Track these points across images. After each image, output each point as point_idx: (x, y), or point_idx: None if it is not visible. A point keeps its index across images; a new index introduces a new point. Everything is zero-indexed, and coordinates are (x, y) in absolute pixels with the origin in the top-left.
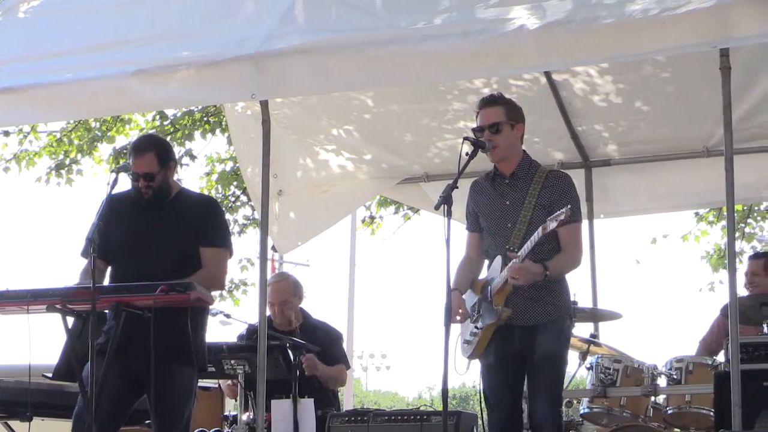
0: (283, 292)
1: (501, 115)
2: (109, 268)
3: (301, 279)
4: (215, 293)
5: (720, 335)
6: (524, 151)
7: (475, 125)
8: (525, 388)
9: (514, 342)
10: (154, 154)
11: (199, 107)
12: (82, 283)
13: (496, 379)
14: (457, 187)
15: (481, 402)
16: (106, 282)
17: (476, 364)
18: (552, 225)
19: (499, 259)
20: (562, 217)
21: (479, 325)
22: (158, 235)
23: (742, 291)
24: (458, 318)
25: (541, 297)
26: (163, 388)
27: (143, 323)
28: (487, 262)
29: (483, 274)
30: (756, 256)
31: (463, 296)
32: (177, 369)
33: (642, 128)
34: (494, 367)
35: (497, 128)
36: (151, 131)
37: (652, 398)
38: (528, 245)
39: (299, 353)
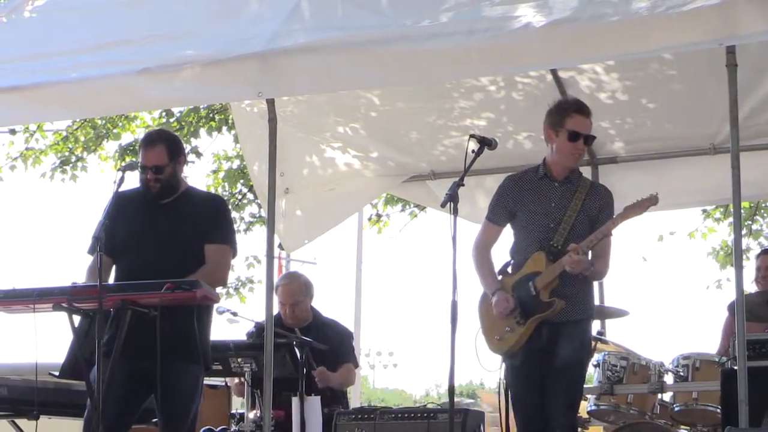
0: (294, 293)
1: (591, 128)
2: (114, 267)
3: (309, 277)
4: (221, 290)
5: (732, 336)
6: None
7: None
8: None
9: (541, 338)
10: (164, 147)
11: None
12: (89, 281)
13: (519, 379)
14: (463, 185)
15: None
16: (112, 279)
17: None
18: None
19: (542, 254)
20: (654, 202)
21: (520, 320)
22: (164, 233)
23: (750, 287)
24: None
25: (571, 294)
26: (170, 386)
27: (149, 322)
28: (512, 258)
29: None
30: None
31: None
32: (183, 367)
33: (648, 126)
34: (518, 368)
35: (589, 141)
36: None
37: (659, 395)
38: (589, 243)
39: (306, 352)
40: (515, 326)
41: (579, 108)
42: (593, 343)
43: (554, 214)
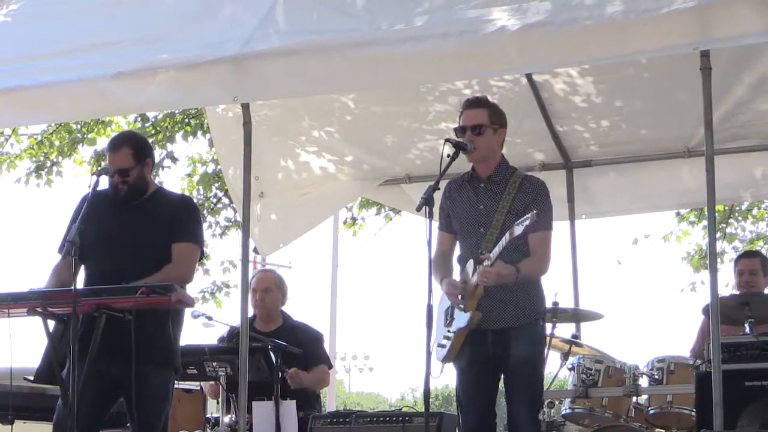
0: (267, 279)
1: (485, 118)
2: (83, 267)
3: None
4: (196, 294)
5: (707, 339)
6: (502, 155)
7: (456, 125)
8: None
9: (486, 346)
10: (129, 149)
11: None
12: (51, 280)
13: (468, 382)
14: (438, 189)
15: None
16: (80, 280)
17: (451, 367)
18: (518, 230)
19: (471, 263)
20: (528, 222)
21: (452, 329)
22: (132, 233)
23: (725, 291)
24: (460, 293)
25: (511, 299)
26: (141, 390)
27: (121, 325)
28: (458, 267)
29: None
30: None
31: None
32: (154, 371)
33: (623, 129)
34: (466, 370)
35: (480, 130)
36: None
37: (634, 398)
38: (497, 249)
39: (281, 357)
40: (450, 335)
41: (466, 104)
42: (546, 340)
43: (483, 218)
